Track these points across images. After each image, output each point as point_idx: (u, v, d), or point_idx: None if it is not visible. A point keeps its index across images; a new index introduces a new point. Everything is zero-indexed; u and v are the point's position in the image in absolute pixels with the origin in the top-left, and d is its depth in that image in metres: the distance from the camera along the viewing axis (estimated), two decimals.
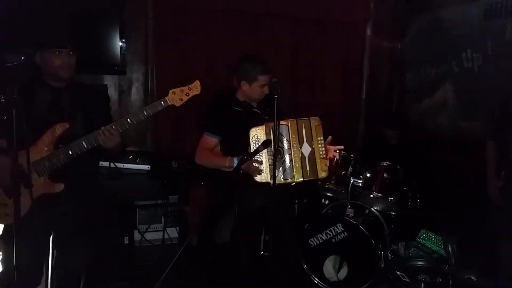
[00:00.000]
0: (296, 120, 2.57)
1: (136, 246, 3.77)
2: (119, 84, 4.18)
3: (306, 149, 2.57)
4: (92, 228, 2.37)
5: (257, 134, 2.49)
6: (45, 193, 2.15)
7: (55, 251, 2.34)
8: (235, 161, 2.52)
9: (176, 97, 2.17)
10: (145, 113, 2.15)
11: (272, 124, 2.42)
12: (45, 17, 3.43)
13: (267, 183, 2.49)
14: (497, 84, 3.55)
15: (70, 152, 2.13)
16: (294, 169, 2.53)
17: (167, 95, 2.19)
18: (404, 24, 4.78)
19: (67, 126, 2.15)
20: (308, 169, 2.57)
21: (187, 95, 2.18)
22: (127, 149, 3.84)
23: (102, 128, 2.11)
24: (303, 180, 2.56)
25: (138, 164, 3.66)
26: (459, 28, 3.97)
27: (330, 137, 2.68)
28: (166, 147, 4.28)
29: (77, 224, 2.26)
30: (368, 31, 4.94)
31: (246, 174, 2.51)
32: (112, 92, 4.14)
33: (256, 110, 2.73)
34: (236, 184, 2.64)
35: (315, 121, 2.61)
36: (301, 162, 2.54)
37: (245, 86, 2.67)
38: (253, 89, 2.66)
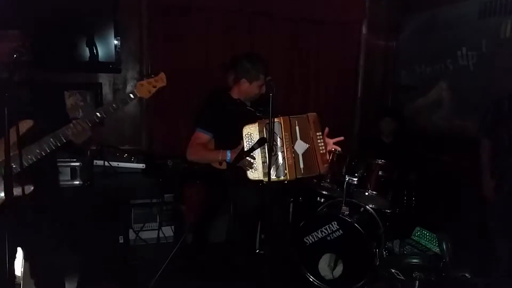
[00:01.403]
0: (289, 118, 2.56)
1: (131, 245, 3.77)
2: (114, 82, 4.16)
3: (300, 146, 2.57)
4: (62, 230, 2.29)
5: (250, 132, 2.48)
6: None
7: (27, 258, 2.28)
8: (228, 154, 2.52)
9: (144, 89, 2.14)
10: (114, 106, 2.11)
11: (265, 121, 2.42)
12: (38, 15, 3.43)
13: (260, 181, 2.49)
14: (492, 82, 3.56)
15: (38, 151, 2.04)
16: (287, 167, 2.52)
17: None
18: (399, 23, 4.79)
19: (31, 124, 2.02)
20: (302, 166, 2.56)
21: (154, 87, 2.16)
22: (121, 148, 3.84)
23: (73, 122, 2.05)
24: (296, 178, 2.55)
25: (133, 162, 3.65)
26: (454, 26, 3.98)
27: (327, 128, 2.67)
28: (161, 145, 4.27)
29: (45, 227, 2.18)
30: (364, 30, 4.95)
31: (241, 173, 2.51)
32: (107, 90, 4.14)
33: (249, 108, 2.72)
34: (231, 183, 2.64)
35: (312, 117, 2.61)
36: (294, 159, 2.54)
37: (245, 84, 2.66)
38: (252, 88, 2.66)
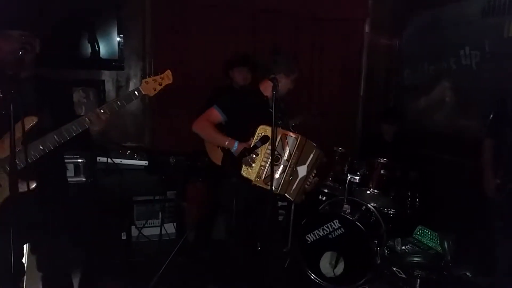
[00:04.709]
0: (306, 139, 2.56)
1: (134, 241, 3.78)
2: (117, 79, 4.18)
3: (302, 170, 2.58)
4: (68, 226, 2.28)
5: (264, 133, 2.45)
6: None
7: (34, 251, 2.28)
8: (236, 145, 2.51)
9: (149, 86, 2.14)
10: (119, 103, 2.11)
11: (282, 131, 2.46)
12: (42, 12, 3.43)
13: (249, 180, 2.49)
14: (495, 81, 3.55)
15: (42, 147, 2.02)
16: (282, 181, 2.52)
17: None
18: (402, 21, 4.78)
19: (36, 121, 2.00)
20: (293, 187, 2.57)
21: (160, 85, 2.16)
22: (124, 145, 3.84)
23: (82, 117, 2.04)
24: (282, 195, 2.56)
25: (136, 159, 3.65)
26: (457, 26, 3.97)
27: (317, 178, 2.71)
28: (163, 143, 4.28)
29: (51, 223, 2.17)
30: (367, 29, 4.95)
31: (237, 170, 2.52)
32: (110, 88, 4.16)
33: (271, 110, 2.67)
34: (228, 179, 2.63)
35: (321, 156, 2.64)
36: (291, 178, 2.54)
37: (282, 79, 2.62)
38: (288, 83, 2.68)
